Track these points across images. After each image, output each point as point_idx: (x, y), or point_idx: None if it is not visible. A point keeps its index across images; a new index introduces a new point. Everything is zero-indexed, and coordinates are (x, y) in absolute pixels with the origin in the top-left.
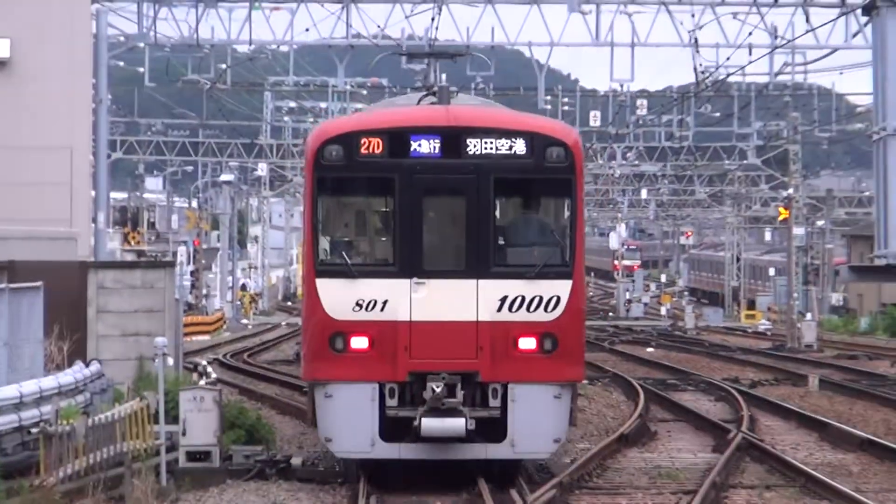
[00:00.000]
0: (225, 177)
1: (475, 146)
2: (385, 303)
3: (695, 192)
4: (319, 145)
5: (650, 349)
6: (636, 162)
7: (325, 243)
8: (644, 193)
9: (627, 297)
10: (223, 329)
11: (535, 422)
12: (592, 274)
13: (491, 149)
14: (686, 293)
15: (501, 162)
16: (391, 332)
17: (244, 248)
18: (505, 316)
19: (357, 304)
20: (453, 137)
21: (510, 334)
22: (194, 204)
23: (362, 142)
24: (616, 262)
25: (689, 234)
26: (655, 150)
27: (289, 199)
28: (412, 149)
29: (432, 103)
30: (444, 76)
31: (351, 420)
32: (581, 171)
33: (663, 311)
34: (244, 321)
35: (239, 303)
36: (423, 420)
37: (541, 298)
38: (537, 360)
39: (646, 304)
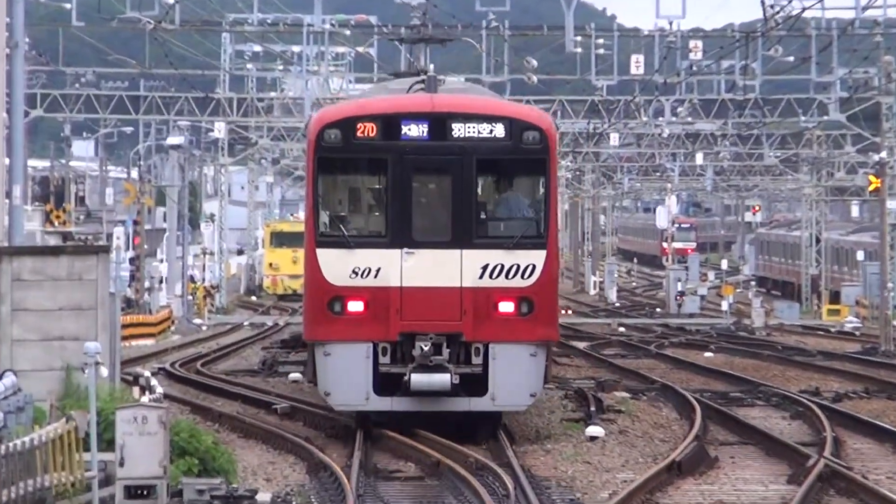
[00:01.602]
0: (173, 140)
1: (459, 130)
2: (378, 270)
3: (763, 156)
4: (320, 129)
5: (708, 354)
6: (689, 119)
7: (324, 217)
8: (699, 158)
9: (679, 288)
10: (171, 331)
11: (514, 377)
12: (634, 260)
13: (474, 132)
14: (753, 283)
15: (483, 144)
16: (384, 296)
17: (197, 230)
18: (486, 282)
19: (353, 271)
20: (440, 122)
21: (491, 299)
22: (134, 174)
23: (358, 126)
24: (665, 244)
25: (757, 209)
26: (713, 105)
27: (254, 168)
28: (403, 132)
29: (421, 90)
30: (431, 66)
31: (348, 376)
32: (555, 152)
33: (724, 305)
34: (197, 321)
35: (191, 298)
36: (413, 376)
37: (518, 266)
38: (515, 321)
39: (702, 298)
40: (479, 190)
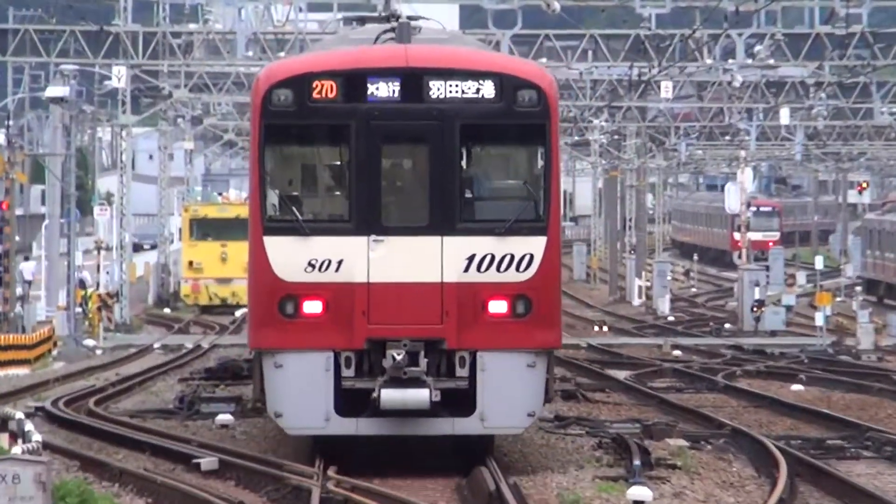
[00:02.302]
0: (54, 90)
1: (439, 89)
2: (340, 263)
3: (872, 112)
4: (267, 89)
5: (797, 387)
6: (771, 62)
7: (273, 197)
8: (785, 116)
9: (757, 296)
10: (52, 356)
11: (507, 393)
12: (695, 256)
13: (456, 92)
14: (859, 289)
15: (468, 107)
16: (347, 294)
17: (89, 216)
18: (473, 276)
19: (309, 264)
20: (414, 80)
21: (479, 297)
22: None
23: (314, 85)
24: (736, 235)
25: (864, 186)
26: (804, 42)
27: (167, 130)
28: (369, 93)
29: (392, 40)
30: (403, 7)
31: (303, 393)
32: (556, 116)
33: (819, 320)
34: (89, 342)
35: (80, 311)
36: (383, 391)
37: (512, 257)
38: (509, 324)
39: (788, 310)
40: (464, 163)
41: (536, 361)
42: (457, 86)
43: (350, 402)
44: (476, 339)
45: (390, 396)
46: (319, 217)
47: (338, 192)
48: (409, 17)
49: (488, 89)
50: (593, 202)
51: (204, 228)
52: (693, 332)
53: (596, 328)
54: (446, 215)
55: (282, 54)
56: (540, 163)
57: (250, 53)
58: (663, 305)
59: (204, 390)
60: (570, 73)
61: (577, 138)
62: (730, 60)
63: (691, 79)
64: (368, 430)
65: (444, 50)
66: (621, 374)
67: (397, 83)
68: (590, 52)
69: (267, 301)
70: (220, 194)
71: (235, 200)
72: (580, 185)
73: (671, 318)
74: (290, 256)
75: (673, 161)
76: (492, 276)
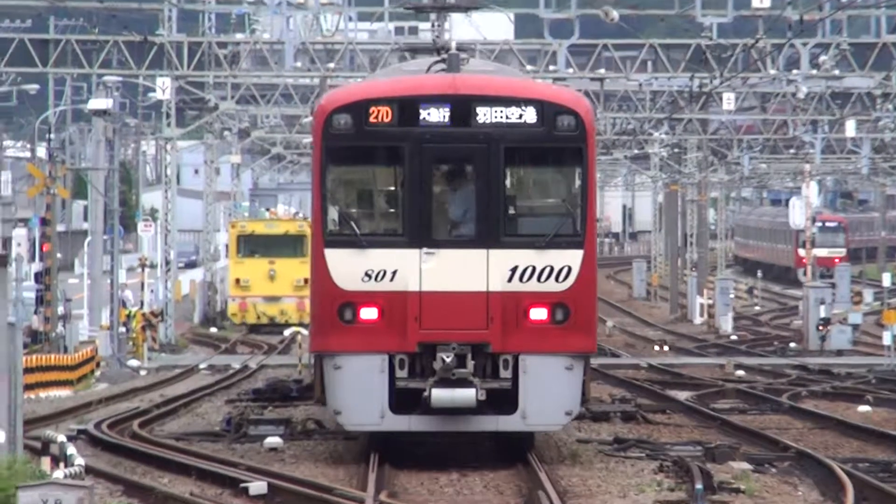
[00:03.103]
0: (97, 102)
1: (485, 115)
2: (394, 273)
3: None
4: (328, 114)
5: (864, 408)
6: (836, 72)
7: (333, 213)
8: (851, 128)
9: (822, 314)
10: (95, 377)
11: (547, 393)
12: (758, 273)
13: (501, 117)
14: None
15: (511, 131)
16: (401, 302)
17: (133, 232)
18: (516, 286)
19: (366, 274)
20: (462, 106)
21: (521, 305)
22: (41, 152)
23: (371, 110)
24: (801, 250)
25: None
26: (870, 51)
27: (213, 143)
28: (421, 118)
29: (442, 70)
30: (454, 43)
31: (360, 392)
32: (592, 139)
33: (887, 339)
34: (133, 363)
35: (124, 330)
36: (434, 391)
37: (552, 268)
38: (548, 330)
39: (855, 328)
40: (508, 182)
41: (574, 364)
42: (501, 111)
43: (403, 400)
44: (518, 343)
45: (440, 395)
46: (375, 231)
47: (392, 209)
48: (459, 48)
49: (530, 115)
50: (653, 217)
51: (251, 245)
52: (756, 352)
53: (656, 347)
54: (491, 230)
55: (331, 65)
56: (577, 182)
57: (299, 64)
58: (726, 324)
59: (252, 412)
60: (629, 84)
61: (636, 151)
62: (794, 71)
63: (754, 90)
64: (420, 427)
65: (490, 79)
66: (682, 395)
67: (447, 109)
68: (649, 63)
69: (327, 308)
70: (267, 210)
71: (283, 216)
72: (640, 200)
73: (734, 337)
74: (348, 267)
75: (735, 175)
76: (533, 285)
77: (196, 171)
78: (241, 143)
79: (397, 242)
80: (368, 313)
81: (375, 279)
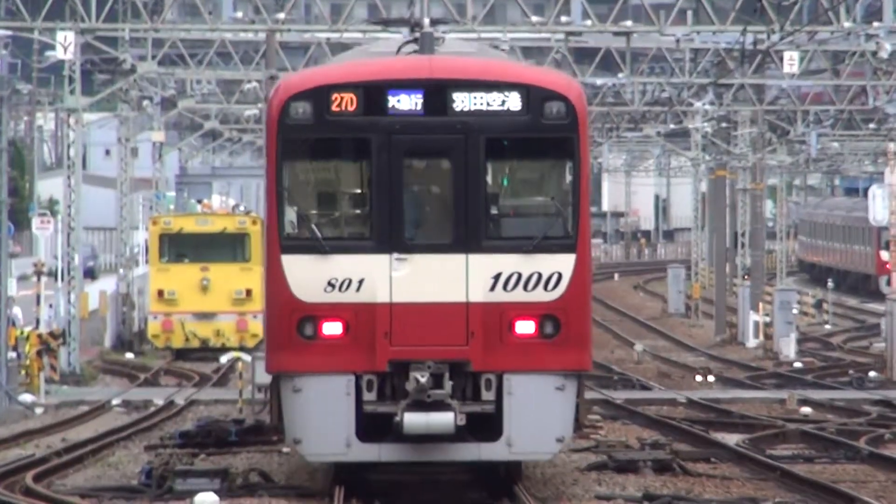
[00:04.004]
0: None
1: (463, 102)
2: (361, 282)
3: None
4: (284, 102)
5: None
6: None
7: (291, 215)
8: None
9: None
10: None
11: (535, 417)
12: (829, 282)
13: (481, 104)
14: None
15: (493, 119)
16: (369, 315)
17: (25, 230)
18: (499, 296)
19: (329, 283)
20: (437, 92)
21: (505, 317)
22: None
23: (333, 98)
24: (884, 254)
25: None
26: None
27: (129, 116)
28: (390, 105)
29: (414, 51)
30: (427, 20)
31: (323, 417)
32: (585, 128)
33: None
34: (27, 398)
35: (15, 356)
36: (406, 415)
37: (540, 275)
38: (537, 346)
39: None
40: (489, 178)
41: (566, 384)
42: (481, 98)
43: (372, 426)
44: (502, 360)
45: (414, 421)
46: (339, 235)
47: (358, 209)
48: (434, 21)
49: (514, 101)
50: (694, 211)
51: (178, 247)
52: (827, 383)
53: (698, 378)
54: (471, 232)
55: (281, 16)
56: (568, 177)
57: (239, 14)
58: (787, 348)
59: (179, 461)
60: (664, 40)
61: (672, 127)
62: (875, 24)
63: (824, 48)
64: (391, 456)
65: (469, 61)
66: (732, 439)
67: (420, 95)
68: (689, 13)
69: (285, 323)
70: (199, 201)
71: (220, 209)
72: (677, 189)
73: (798, 365)
74: (308, 276)
75: (800, 157)
76: (519, 295)
77: (107, 153)
78: (165, 117)
79: (364, 247)
80: (332, 328)
81: (340, 289)
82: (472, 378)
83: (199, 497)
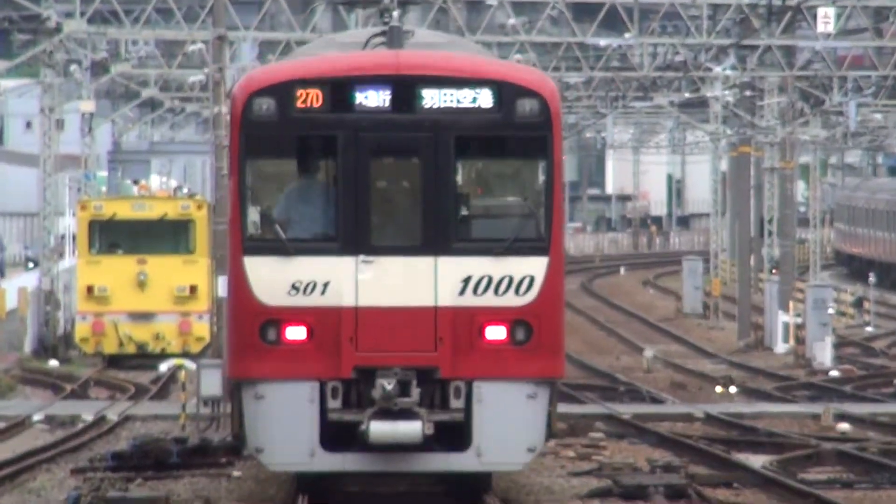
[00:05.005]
0: None
1: (432, 98)
2: (326, 285)
3: None
4: (247, 98)
5: None
6: None
7: (254, 215)
8: None
9: None
10: None
11: (506, 426)
12: (870, 277)
13: (451, 101)
14: None
15: (463, 117)
16: (333, 319)
17: None
18: (469, 300)
19: (293, 286)
20: (405, 88)
21: (475, 322)
22: None
23: (298, 94)
24: None
25: None
26: None
27: (52, 82)
28: (357, 102)
29: (382, 44)
30: (396, 13)
31: (286, 426)
32: (559, 127)
33: None
34: None
35: None
36: (372, 424)
37: (511, 279)
38: (508, 352)
39: None
40: (459, 178)
41: (537, 392)
42: (451, 94)
43: (336, 435)
44: (472, 367)
45: (380, 429)
46: (304, 235)
47: (323, 209)
48: (402, 1)
49: (485, 98)
50: (713, 194)
51: (112, 236)
52: (869, 395)
53: (718, 389)
54: (440, 234)
55: None
56: (541, 177)
57: None
58: (822, 354)
59: (111, 487)
60: None
61: (687, 95)
62: None
63: (864, 3)
64: (356, 466)
65: (439, 56)
66: (757, 461)
67: (388, 91)
68: None
69: (246, 327)
70: (135, 182)
71: (160, 192)
72: (693, 168)
73: (835, 374)
74: (271, 278)
75: (836, 131)
76: (489, 299)
77: (28, 125)
78: (95, 84)
79: (329, 249)
80: (295, 333)
81: (304, 292)
82: (440, 385)
83: None
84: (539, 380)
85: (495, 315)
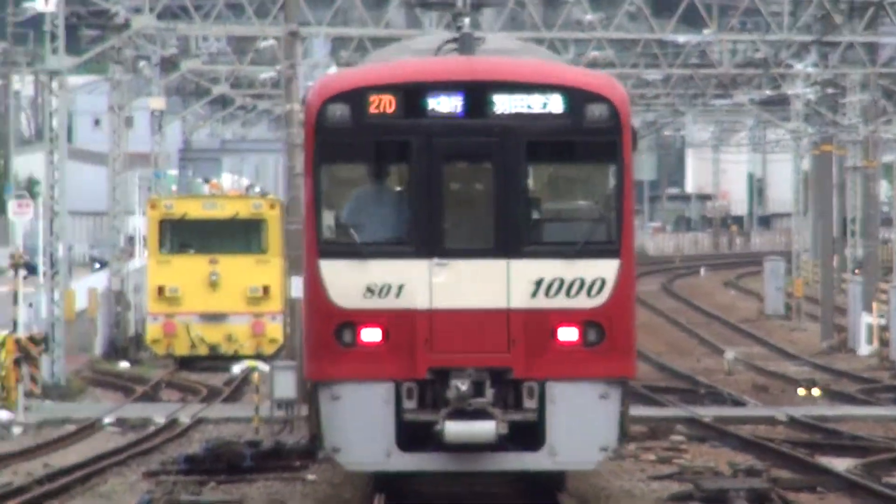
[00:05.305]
0: None
1: (503, 104)
2: (401, 288)
3: None
4: (321, 104)
5: None
6: None
7: (329, 219)
8: None
9: None
10: None
11: (579, 426)
12: None
13: (522, 107)
14: None
15: (534, 123)
16: (408, 321)
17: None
18: (541, 302)
19: (368, 289)
20: (478, 94)
21: (547, 324)
22: None
23: (371, 100)
24: None
25: None
26: None
27: (120, 79)
28: (430, 108)
29: (454, 51)
30: (467, 20)
31: (362, 426)
32: (629, 131)
33: None
34: (3, 415)
35: None
36: (447, 424)
37: (583, 281)
38: (580, 353)
39: None
40: (531, 182)
41: (609, 392)
42: (523, 100)
43: (412, 435)
44: (545, 368)
45: (455, 429)
46: (378, 239)
47: (397, 213)
48: (475, 3)
49: (556, 104)
50: (795, 194)
51: (182, 235)
52: None
53: (801, 391)
54: (512, 237)
55: None
56: (612, 181)
57: None
58: None
59: (184, 491)
60: None
61: (768, 93)
62: None
63: None
64: (431, 466)
65: (510, 62)
66: (841, 465)
67: (460, 97)
68: None
69: (323, 329)
70: (206, 181)
71: (231, 191)
72: (774, 167)
73: None
74: (347, 281)
75: None
76: (561, 301)
77: (97, 123)
78: (165, 81)
79: (404, 252)
80: (371, 335)
81: (379, 295)
82: (513, 386)
83: None
84: (611, 380)
85: (567, 317)
